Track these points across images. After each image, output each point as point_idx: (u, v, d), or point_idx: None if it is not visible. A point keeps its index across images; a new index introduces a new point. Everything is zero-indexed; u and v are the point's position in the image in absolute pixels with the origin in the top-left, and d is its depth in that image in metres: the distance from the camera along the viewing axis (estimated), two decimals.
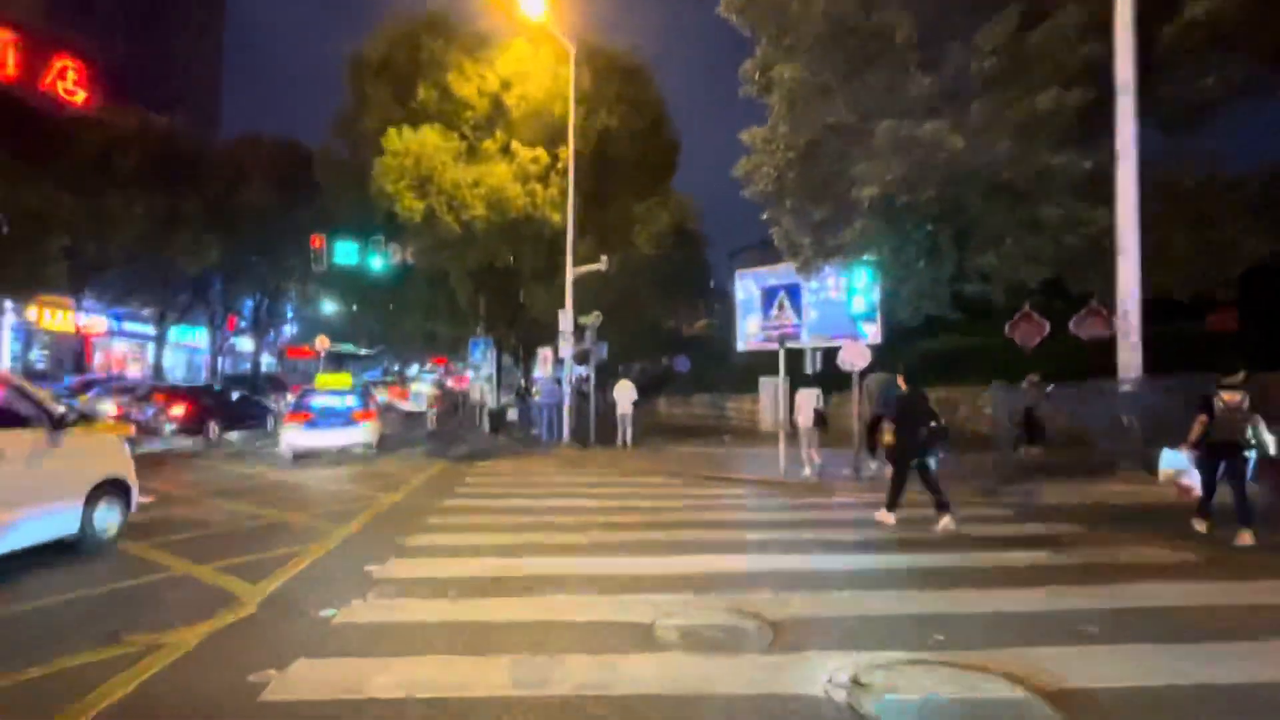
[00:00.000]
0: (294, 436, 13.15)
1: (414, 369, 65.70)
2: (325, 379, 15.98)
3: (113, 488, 6.36)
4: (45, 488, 5.63)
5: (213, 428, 17.20)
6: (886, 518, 7.19)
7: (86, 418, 6.97)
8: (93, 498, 6.07)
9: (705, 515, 7.89)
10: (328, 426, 13.27)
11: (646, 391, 29.00)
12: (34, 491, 5.52)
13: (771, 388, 19.02)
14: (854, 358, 10.99)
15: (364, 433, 13.51)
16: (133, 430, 12.66)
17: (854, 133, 9.85)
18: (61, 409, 5.99)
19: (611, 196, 17.69)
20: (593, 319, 16.00)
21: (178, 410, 16.58)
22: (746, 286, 19.09)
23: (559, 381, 16.89)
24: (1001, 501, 8.31)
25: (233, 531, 7.13)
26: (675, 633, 4.10)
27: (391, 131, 15.10)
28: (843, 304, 16.29)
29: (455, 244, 15.42)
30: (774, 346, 18.85)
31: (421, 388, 29.62)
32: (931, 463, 7.04)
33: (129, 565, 5.77)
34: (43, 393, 6.33)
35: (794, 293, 10.83)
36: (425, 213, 14.84)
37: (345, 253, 19.79)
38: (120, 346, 42.04)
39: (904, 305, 11.32)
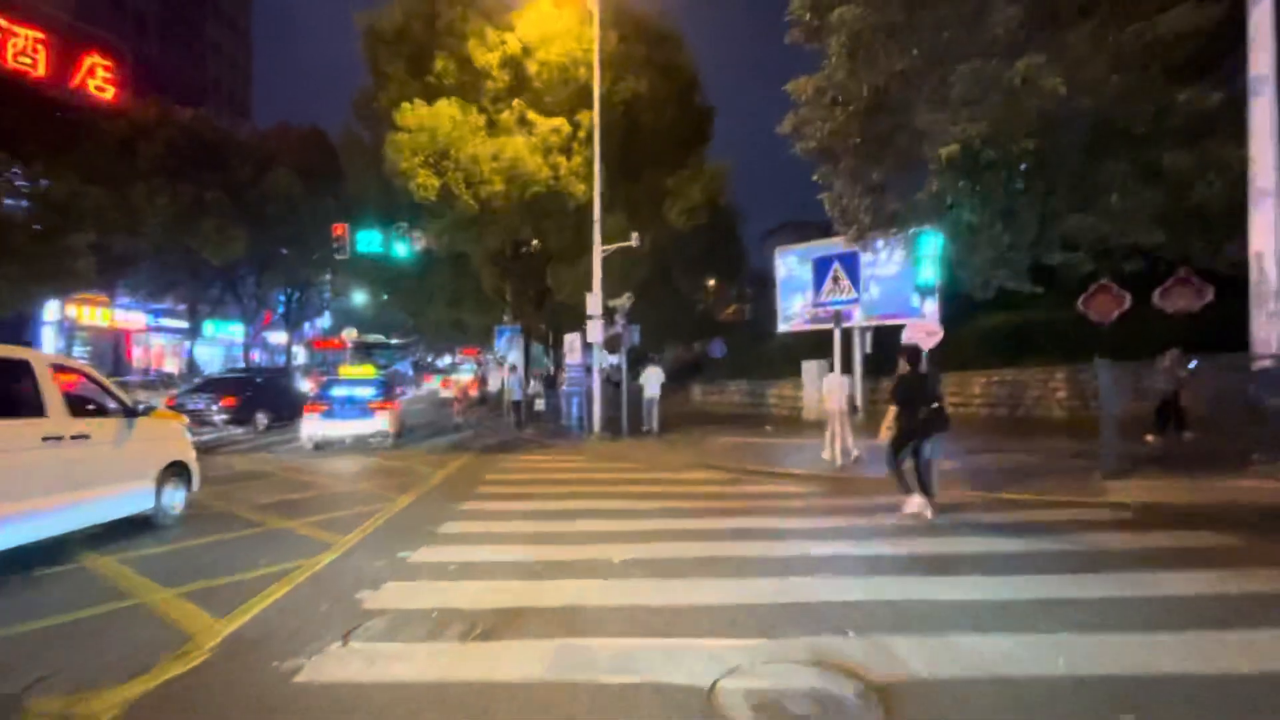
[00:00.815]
0: (312, 426, 13.33)
1: (446, 359, 65.75)
2: (349, 370, 16.18)
3: (178, 469, 7.00)
4: (126, 469, 6.25)
5: (260, 418, 17.60)
6: (918, 507, 6.45)
7: (153, 407, 7.76)
8: (162, 478, 6.70)
9: (759, 521, 6.76)
10: (345, 416, 13.34)
11: (680, 378, 27.83)
12: (117, 472, 6.13)
13: (815, 371, 17.72)
14: (921, 337, 9.70)
15: (381, 422, 13.46)
16: (186, 420, 13.02)
17: (925, 78, 8.49)
18: (131, 400, 6.65)
19: (640, 168, 16.50)
20: (623, 300, 14.91)
21: (226, 401, 17.59)
22: (788, 263, 17.72)
23: (588, 369, 15.88)
24: (1111, 501, 6.97)
25: (218, 543, 6.26)
26: (744, 704, 3.00)
27: (405, 105, 14.16)
28: (898, 278, 14.90)
29: (473, 223, 14.45)
30: (819, 327, 17.54)
31: (462, 378, 29.12)
32: (927, 449, 6.48)
33: (90, 588, 4.91)
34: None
35: (850, 262, 9.58)
36: (440, 190, 13.89)
37: (368, 240, 19.11)
38: (159, 342, 42.63)
39: (973, 276, 9.94)
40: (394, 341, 37.93)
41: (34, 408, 5.27)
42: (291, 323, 43.68)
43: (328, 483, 9.69)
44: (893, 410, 6.53)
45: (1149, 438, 10.41)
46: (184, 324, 38.29)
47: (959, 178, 8.05)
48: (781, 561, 5.23)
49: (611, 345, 15.50)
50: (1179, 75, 7.18)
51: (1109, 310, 15.23)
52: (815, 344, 19.87)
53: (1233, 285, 12.06)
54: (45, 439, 5.27)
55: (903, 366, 6.63)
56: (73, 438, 5.54)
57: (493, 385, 25.48)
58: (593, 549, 5.70)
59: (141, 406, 6.76)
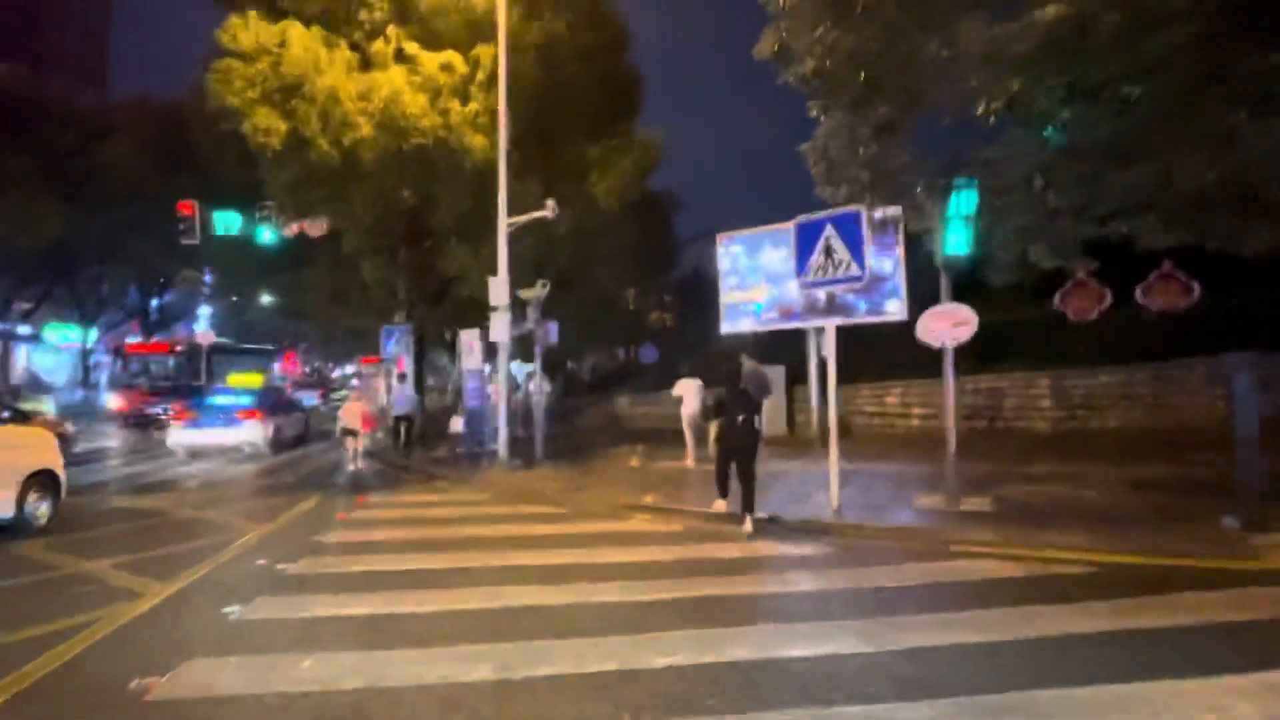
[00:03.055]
0: (178, 435, 13.28)
1: (348, 369, 59.61)
2: (234, 378, 17.72)
3: (44, 478, 6.94)
4: None
5: None
6: (719, 505, 6.60)
7: (23, 415, 8.96)
8: (25, 488, 6.65)
9: (779, 637, 3.88)
10: (210, 425, 13.19)
11: (605, 387, 24.82)
12: None
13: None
14: (944, 329, 7.22)
15: (247, 432, 13.27)
16: (68, 428, 13.11)
17: None
18: None
19: (559, 133, 13.48)
20: (537, 291, 11.82)
21: None
22: (732, 253, 15.12)
23: (488, 379, 12.68)
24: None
25: None
26: None
27: (234, 21, 10.41)
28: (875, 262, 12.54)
29: (334, 180, 10.91)
30: (775, 327, 14.98)
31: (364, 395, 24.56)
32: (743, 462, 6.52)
33: None
34: None
35: (848, 226, 6.92)
36: (288, 137, 10.29)
37: (226, 222, 15.28)
38: None
39: (1004, 251, 7.60)
40: (268, 347, 32.81)
41: None
42: (149, 327, 37.33)
43: (61, 554, 5.99)
44: (713, 425, 7.05)
45: None
46: (24, 328, 31.54)
47: (1055, 65, 5.33)
48: None
49: (523, 352, 12.38)
50: None
51: (1088, 308, 13.62)
52: (767, 347, 17.45)
53: (1235, 274, 10.50)
54: None
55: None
56: None
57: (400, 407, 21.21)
58: None
59: (4, 415, 7.46)
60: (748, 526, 6.30)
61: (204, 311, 45.63)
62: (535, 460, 11.48)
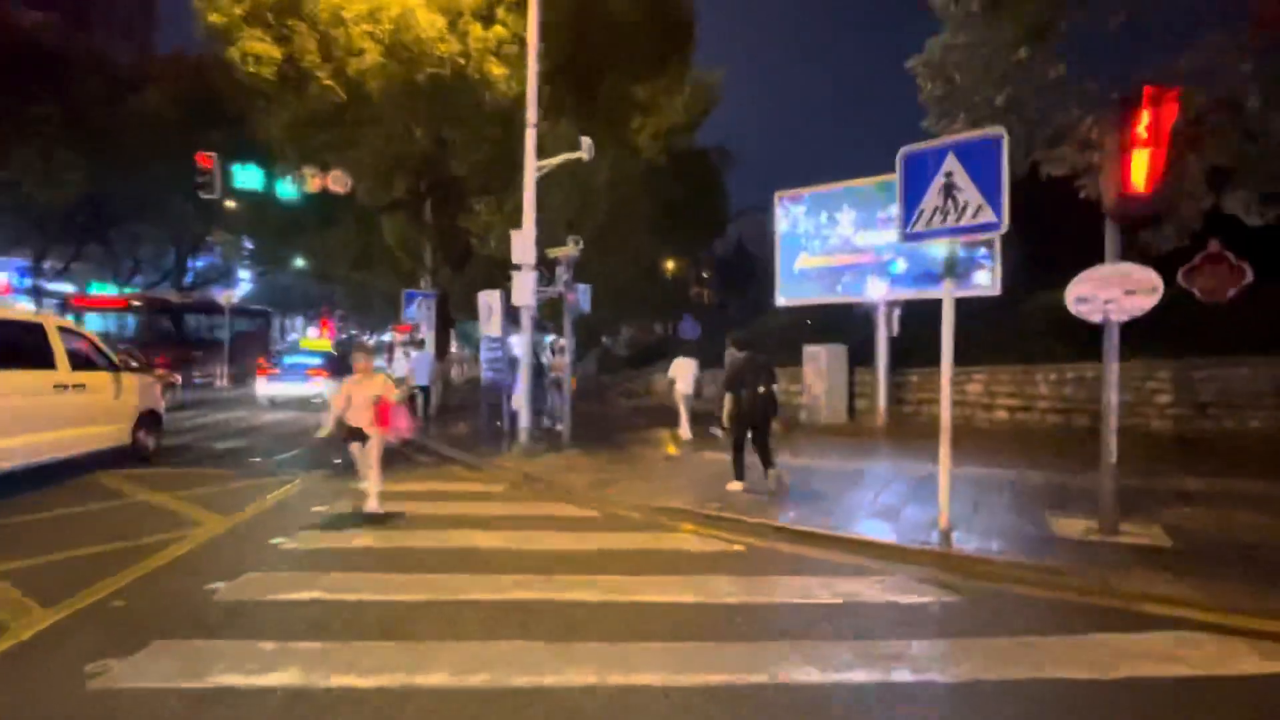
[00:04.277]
0: (263, 387, 15.90)
1: (387, 336, 59.31)
2: (307, 342, 20.20)
3: (151, 417, 8.46)
4: (112, 412, 7.75)
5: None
6: (735, 486, 6.76)
7: (146, 366, 11.15)
8: (138, 423, 8.17)
9: None
10: (288, 380, 15.70)
11: (641, 363, 23.32)
12: (107, 414, 7.65)
13: (824, 359, 13.47)
14: (1116, 296, 5.44)
15: (316, 387, 15.19)
16: (178, 377, 16.05)
17: None
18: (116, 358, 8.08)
19: (599, 70, 11.76)
20: (569, 250, 10.28)
21: None
22: (792, 214, 13.32)
23: (511, 356, 11.23)
24: None
25: None
26: None
27: None
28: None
29: (338, 120, 9.46)
30: (840, 299, 13.08)
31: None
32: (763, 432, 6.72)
33: None
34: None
35: (981, 155, 5.15)
36: (283, 66, 8.85)
37: (246, 176, 14.08)
38: (32, 308, 35.66)
39: (1190, 198, 5.73)
40: (258, 308, 32.83)
41: (46, 361, 6.74)
42: (184, 289, 37.17)
43: None
44: (727, 397, 6.72)
45: None
46: (68, 285, 31.61)
47: None
48: None
49: (549, 317, 10.86)
50: None
51: (1222, 286, 11.49)
52: (823, 323, 15.58)
53: None
54: (55, 386, 6.79)
55: (732, 352, 7.01)
56: (74, 386, 7.01)
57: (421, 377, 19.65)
58: None
59: (124, 364, 8.22)
60: (771, 484, 6.60)
61: (244, 275, 45.56)
62: (561, 444, 10.05)
